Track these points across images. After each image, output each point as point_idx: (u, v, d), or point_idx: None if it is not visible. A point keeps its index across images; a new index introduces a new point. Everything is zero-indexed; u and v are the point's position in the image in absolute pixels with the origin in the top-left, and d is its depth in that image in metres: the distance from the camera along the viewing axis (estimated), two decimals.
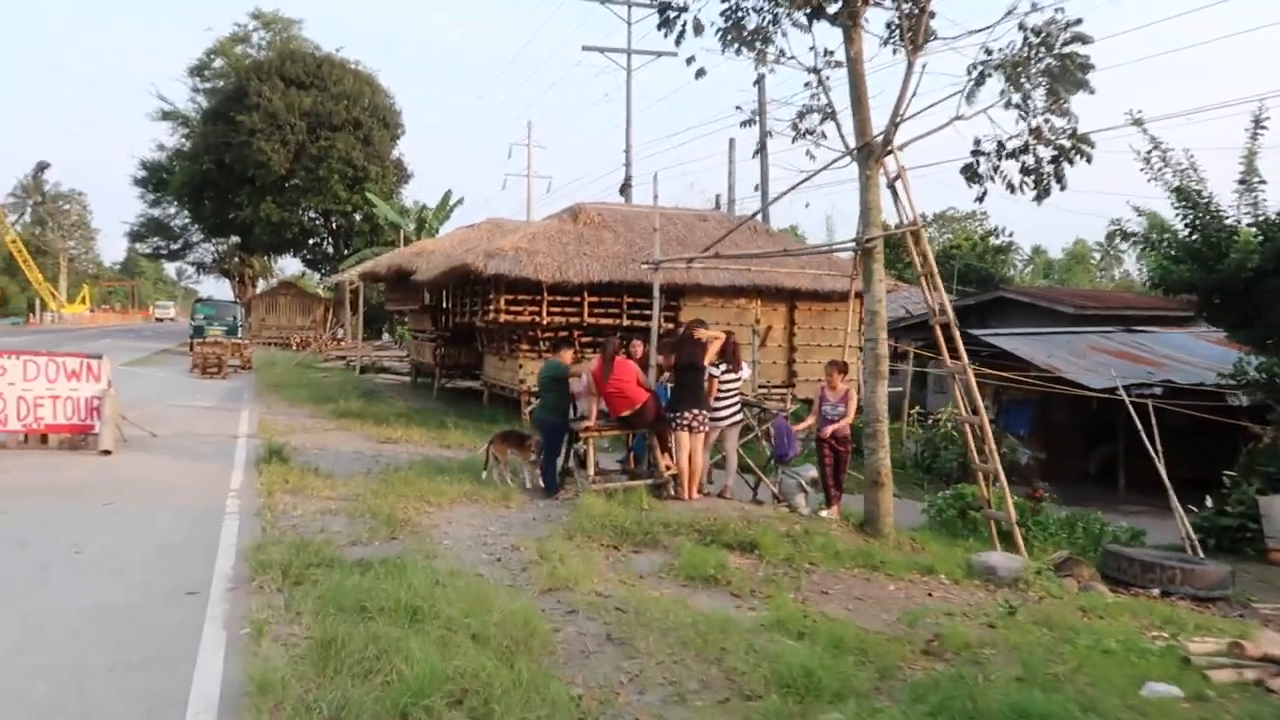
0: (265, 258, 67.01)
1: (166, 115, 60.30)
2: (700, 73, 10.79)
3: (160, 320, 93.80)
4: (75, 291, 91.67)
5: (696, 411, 9.45)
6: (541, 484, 9.76)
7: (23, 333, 53.83)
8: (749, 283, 16.66)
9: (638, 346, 10.81)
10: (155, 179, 60.46)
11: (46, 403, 11.56)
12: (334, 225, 54.00)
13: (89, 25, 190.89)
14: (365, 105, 50.27)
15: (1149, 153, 12.70)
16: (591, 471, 9.57)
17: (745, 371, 10.80)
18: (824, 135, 10.81)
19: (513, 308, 15.76)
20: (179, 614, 5.48)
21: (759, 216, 24.89)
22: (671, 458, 9.91)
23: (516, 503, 9.39)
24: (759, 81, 31.35)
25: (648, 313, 16.73)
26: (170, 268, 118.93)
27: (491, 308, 15.68)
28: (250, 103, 48.56)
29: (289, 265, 77.06)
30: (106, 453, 11.27)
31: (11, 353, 11.71)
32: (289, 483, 9.84)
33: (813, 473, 10.71)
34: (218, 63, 59.41)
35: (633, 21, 30.04)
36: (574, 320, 16.12)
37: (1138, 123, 12.69)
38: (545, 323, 15.91)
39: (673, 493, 9.51)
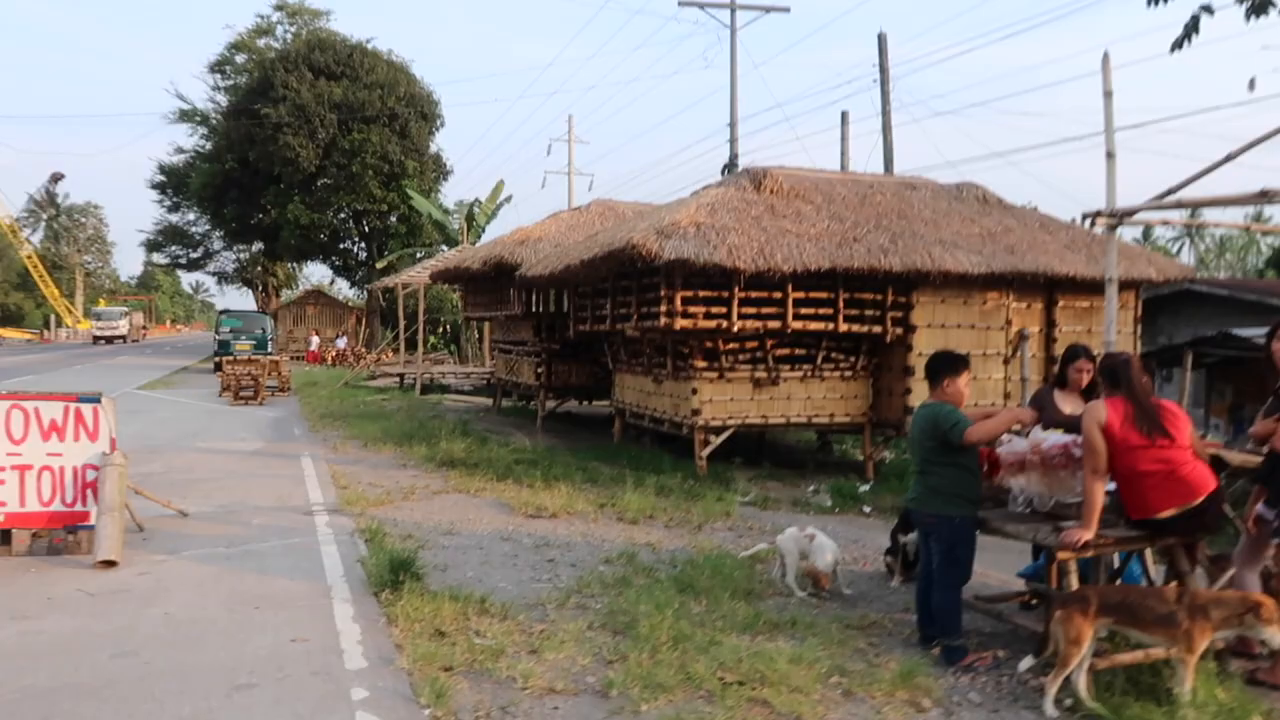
0: (291, 265, 62.68)
1: (185, 115, 55.86)
2: None
3: (107, 340, 60.76)
4: (92, 307, 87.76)
5: None
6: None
7: (31, 350, 49.52)
8: (1009, 268, 11.84)
9: (1082, 368, 6.14)
10: (174, 183, 56.11)
11: (9, 477, 6.88)
12: (366, 228, 49.49)
13: (101, 30, 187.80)
14: (401, 95, 45.74)
15: None
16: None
17: None
18: None
19: (690, 308, 11.00)
20: None
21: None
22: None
23: (932, 693, 4.63)
24: (881, 43, 26.89)
25: (870, 313, 12.00)
26: (188, 280, 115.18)
27: (662, 309, 10.92)
28: (276, 95, 44.12)
29: (314, 273, 72.96)
30: (109, 564, 6.57)
31: None
32: (447, 639, 5.18)
33: None
34: (240, 58, 55.04)
35: None
36: (773, 325, 11.34)
37: None
38: (737, 329, 11.13)
39: (1255, 669, 4.70)
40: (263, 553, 7.22)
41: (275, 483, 10.43)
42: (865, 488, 11.56)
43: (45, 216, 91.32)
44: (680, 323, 10.86)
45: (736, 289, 10.99)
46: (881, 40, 26.44)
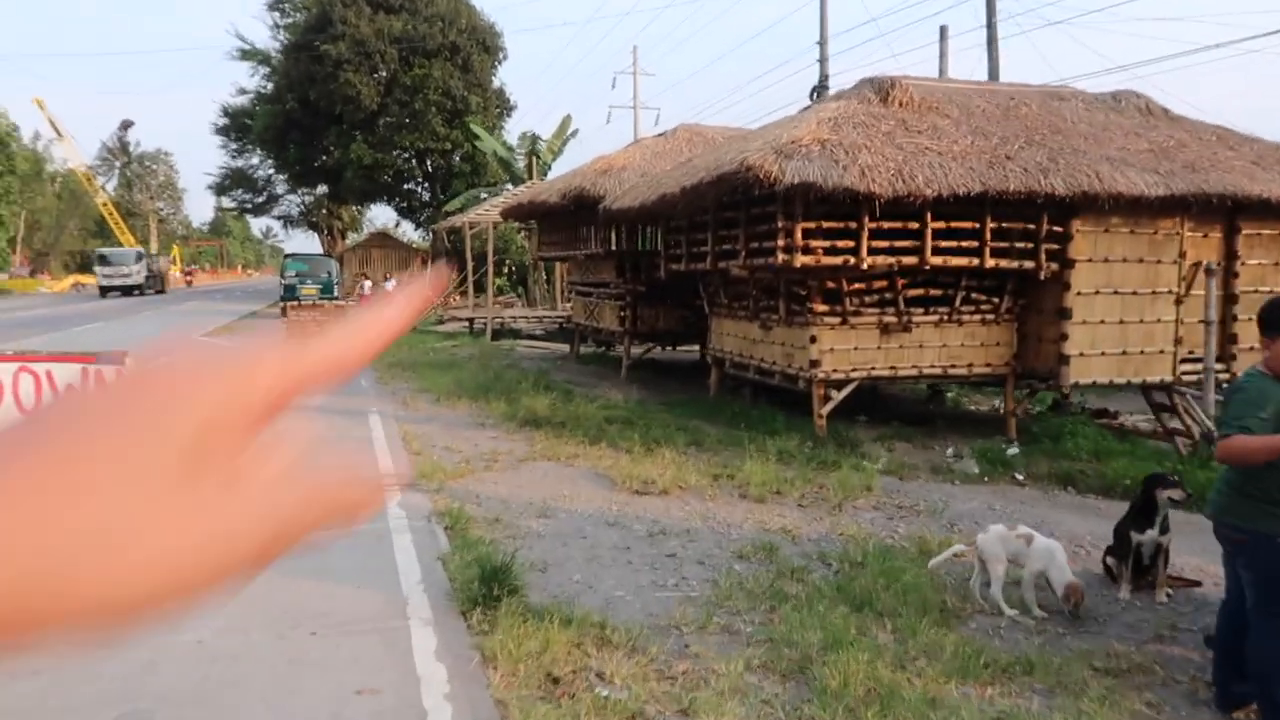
0: (355, 208, 62.01)
1: (245, 55, 54.96)
2: None
3: (121, 290, 46.06)
4: (165, 253, 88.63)
5: None
6: None
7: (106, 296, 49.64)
8: (1193, 189, 9.94)
9: None
10: (237, 126, 55.47)
11: None
12: (430, 167, 48.23)
13: None
14: (462, 27, 44.04)
15: None
16: None
17: None
18: None
19: (811, 241, 9.38)
20: None
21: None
22: None
23: None
24: None
25: (1020, 245, 10.22)
26: (258, 225, 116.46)
27: (779, 243, 9.31)
28: (335, 32, 42.81)
29: (379, 215, 72.39)
30: None
31: None
32: (564, 691, 3.87)
33: None
34: None
35: None
36: (908, 261, 9.66)
37: None
38: (866, 265, 9.48)
39: None
40: (323, 544, 5.91)
41: (340, 447, 9.17)
42: (1014, 450, 9.92)
43: (118, 164, 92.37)
44: (801, 259, 9.24)
45: (866, 218, 9.32)
46: None
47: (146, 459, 0.36)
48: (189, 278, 69.14)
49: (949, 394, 14.46)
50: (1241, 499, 3.77)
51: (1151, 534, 5.17)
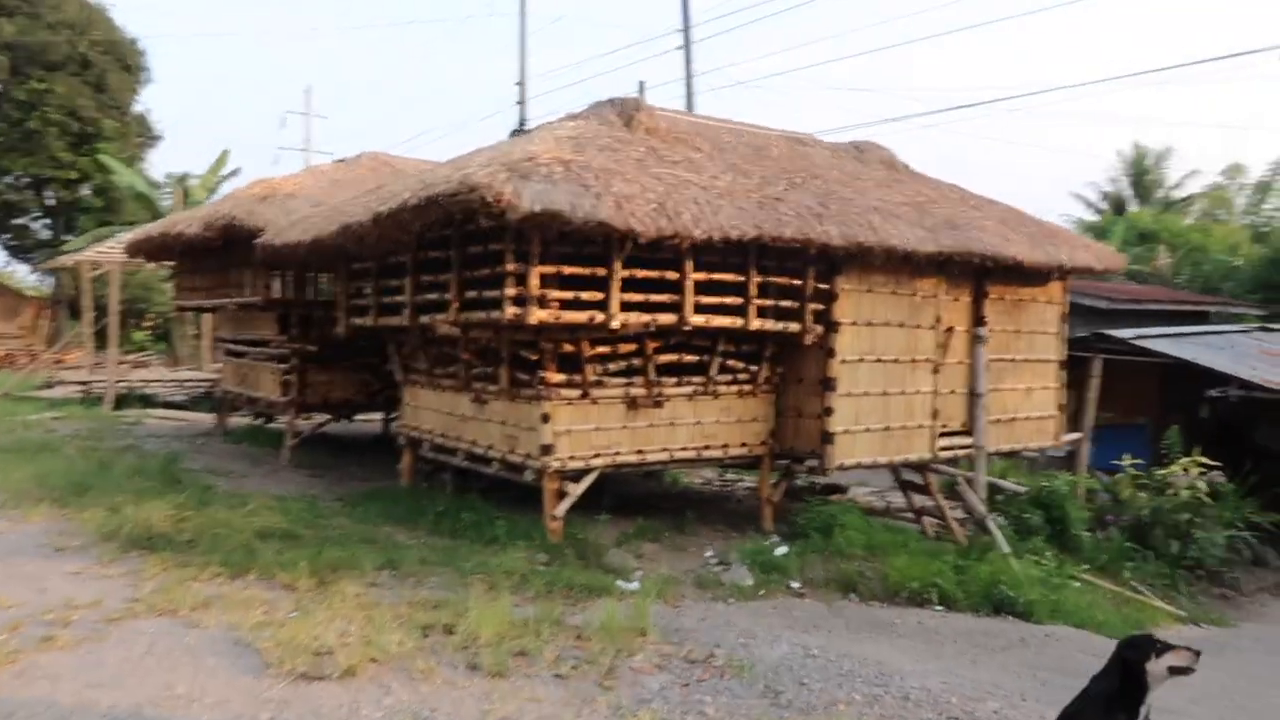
0: None
1: None
2: None
3: None
4: None
5: None
6: None
7: None
8: (958, 248, 9.01)
9: None
10: None
11: None
12: (52, 199, 40.54)
13: None
14: (96, 39, 37.75)
15: None
16: None
17: None
18: None
19: (550, 291, 7.16)
20: None
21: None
22: None
23: None
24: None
25: (787, 305, 8.67)
26: None
27: (508, 293, 6.97)
28: None
29: None
30: None
31: None
32: None
33: None
34: None
35: None
36: (664, 320, 7.73)
37: None
38: (617, 325, 7.40)
39: None
40: None
41: None
42: (783, 549, 8.26)
43: None
44: (538, 314, 6.98)
45: (618, 265, 7.29)
46: None
47: None
48: None
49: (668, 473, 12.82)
50: None
51: None
